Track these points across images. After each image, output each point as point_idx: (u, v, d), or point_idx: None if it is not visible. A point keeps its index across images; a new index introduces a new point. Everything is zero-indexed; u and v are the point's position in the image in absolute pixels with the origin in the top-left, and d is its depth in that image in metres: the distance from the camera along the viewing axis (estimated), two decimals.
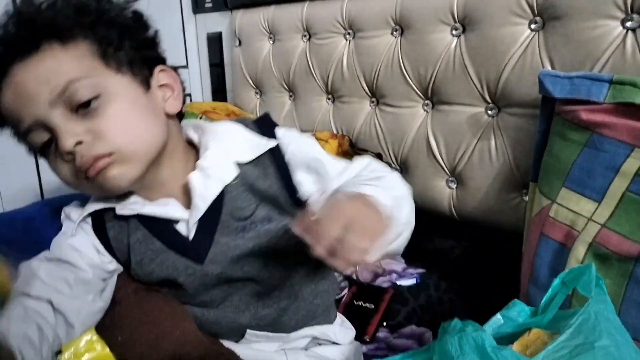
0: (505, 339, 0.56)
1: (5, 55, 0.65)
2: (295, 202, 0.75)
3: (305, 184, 0.75)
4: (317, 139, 1.22)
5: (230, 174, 0.72)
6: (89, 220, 0.76)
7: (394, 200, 0.65)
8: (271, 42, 1.45)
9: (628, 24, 0.80)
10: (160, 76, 0.74)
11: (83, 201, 0.79)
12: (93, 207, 0.75)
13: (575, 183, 0.75)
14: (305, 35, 1.34)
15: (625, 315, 0.66)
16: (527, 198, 0.92)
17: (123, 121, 0.67)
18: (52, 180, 1.57)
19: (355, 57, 1.21)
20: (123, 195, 0.74)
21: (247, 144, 0.75)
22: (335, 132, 1.29)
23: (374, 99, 1.21)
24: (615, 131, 0.71)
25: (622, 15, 0.80)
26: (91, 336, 0.72)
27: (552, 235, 0.76)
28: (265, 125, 0.78)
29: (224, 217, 0.72)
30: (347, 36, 1.23)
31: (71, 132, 0.65)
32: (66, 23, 0.66)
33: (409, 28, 1.09)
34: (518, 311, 0.60)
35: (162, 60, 0.77)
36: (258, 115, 1.52)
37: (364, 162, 0.76)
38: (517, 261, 0.86)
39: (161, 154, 0.72)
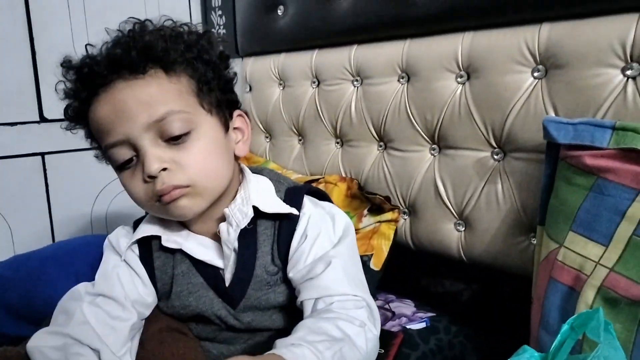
0: None
1: (112, 70, 0.69)
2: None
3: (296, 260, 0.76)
4: (326, 182, 1.24)
5: (246, 218, 0.75)
6: (136, 249, 0.80)
7: None
8: (281, 87, 1.48)
9: (628, 72, 0.82)
10: (236, 119, 0.79)
11: (126, 230, 0.83)
12: (141, 233, 0.78)
13: (582, 227, 0.76)
14: (314, 82, 1.37)
15: None
16: (534, 241, 0.93)
17: (205, 158, 0.72)
18: (63, 221, 1.60)
19: (363, 103, 1.24)
20: (170, 222, 0.78)
21: (272, 200, 0.78)
22: (344, 175, 1.31)
23: (381, 143, 1.23)
24: (620, 176, 0.72)
25: (622, 64, 0.83)
26: None
27: (560, 279, 0.77)
28: (293, 199, 0.80)
29: (257, 271, 0.75)
30: (355, 83, 1.26)
31: (159, 158, 0.69)
32: (176, 56, 0.70)
33: (415, 75, 1.12)
34: (528, 357, 0.60)
35: (239, 104, 0.82)
36: (268, 158, 1.54)
37: (346, 303, 0.70)
38: (527, 304, 0.86)
39: (223, 192, 0.76)
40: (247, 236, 0.76)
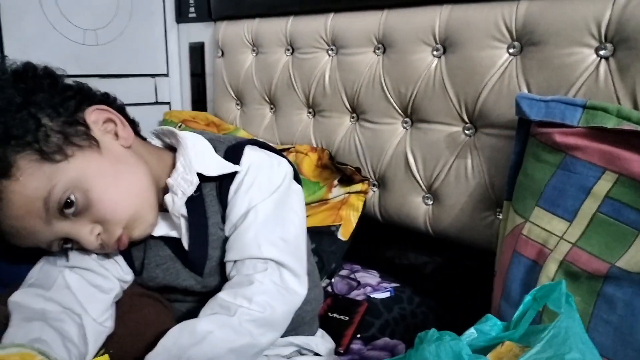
0: (478, 352, 0.57)
1: None
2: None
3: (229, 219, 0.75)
4: (297, 151, 1.24)
5: (191, 186, 0.72)
6: None
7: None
8: (254, 54, 1.46)
9: (602, 52, 0.83)
10: (93, 117, 0.71)
11: None
12: None
13: (548, 203, 0.77)
14: (288, 50, 1.35)
15: (593, 332, 0.68)
16: (500, 216, 0.95)
17: (111, 198, 0.67)
18: None
19: (337, 73, 1.23)
20: None
21: (213, 161, 0.75)
22: (315, 145, 1.30)
23: (354, 115, 1.23)
24: (587, 154, 0.74)
25: (596, 44, 0.84)
26: None
27: (524, 252, 0.79)
28: (233, 155, 0.77)
29: (211, 229, 0.73)
30: (330, 52, 1.25)
31: (84, 232, 0.66)
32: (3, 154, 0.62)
33: (391, 47, 1.12)
34: (491, 325, 0.62)
35: (85, 99, 0.72)
36: (238, 125, 1.53)
37: (255, 267, 0.70)
38: (489, 278, 0.88)
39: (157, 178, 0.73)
40: (194, 201, 0.74)
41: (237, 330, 0.64)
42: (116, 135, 0.72)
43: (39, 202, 0.63)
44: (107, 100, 0.75)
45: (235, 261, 0.71)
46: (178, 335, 0.62)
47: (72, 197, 0.64)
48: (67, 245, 0.69)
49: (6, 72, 0.67)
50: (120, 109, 0.76)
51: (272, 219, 0.73)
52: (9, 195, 0.62)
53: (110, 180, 0.68)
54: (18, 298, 0.67)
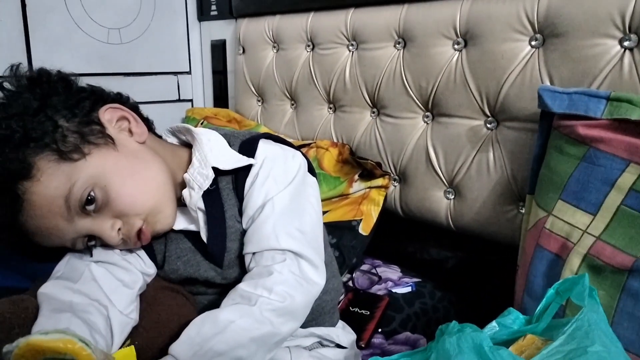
0: (500, 345, 0.57)
1: (9, 217, 0.65)
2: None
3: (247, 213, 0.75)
4: (318, 147, 1.24)
5: (207, 180, 0.74)
6: None
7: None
8: (275, 50, 1.47)
9: (626, 43, 0.82)
10: (108, 116, 0.73)
11: None
12: None
13: (571, 196, 0.76)
14: (309, 45, 1.36)
15: (617, 326, 0.67)
16: (523, 210, 0.94)
17: (129, 192, 0.69)
18: None
19: (357, 68, 1.23)
20: None
21: (228, 155, 0.77)
22: (335, 140, 1.30)
23: (374, 110, 1.23)
24: (612, 146, 0.73)
25: (620, 35, 0.82)
26: None
27: (547, 246, 0.78)
28: (248, 148, 0.78)
29: (229, 222, 0.75)
30: (351, 47, 1.25)
31: (106, 227, 0.68)
32: (15, 162, 0.64)
33: (411, 41, 1.11)
34: (513, 319, 0.62)
35: (99, 99, 0.74)
36: (259, 122, 1.54)
37: (274, 257, 0.71)
38: (511, 272, 0.87)
39: (173, 174, 0.75)
40: (211, 194, 0.75)
41: (258, 320, 0.65)
42: (130, 132, 0.74)
43: (60, 201, 0.65)
44: (120, 99, 0.77)
45: (254, 253, 0.72)
46: (201, 325, 0.63)
47: (92, 194, 0.66)
48: (90, 243, 0.71)
49: (22, 79, 0.70)
50: (134, 108, 0.78)
51: (288, 210, 0.73)
52: (31, 196, 0.64)
53: (127, 175, 0.69)
54: (47, 290, 0.69)
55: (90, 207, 0.66)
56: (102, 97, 0.74)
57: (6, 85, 0.69)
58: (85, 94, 0.73)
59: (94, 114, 0.71)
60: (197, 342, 0.62)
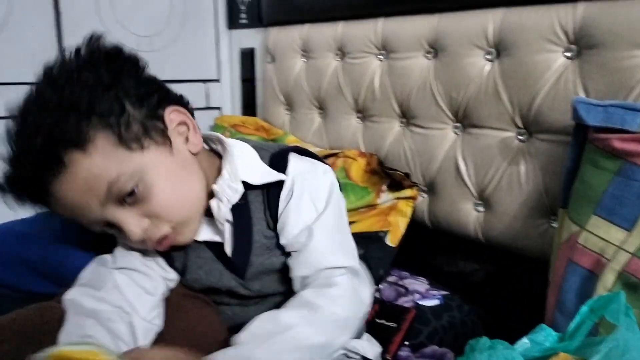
0: None
1: (39, 178, 0.65)
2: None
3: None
4: (346, 156, 1.24)
5: (237, 194, 0.74)
6: None
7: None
8: (304, 59, 1.47)
9: None
10: (172, 118, 0.73)
11: None
12: None
13: (605, 211, 0.75)
14: (338, 55, 1.36)
15: None
16: (555, 224, 0.92)
17: (169, 197, 0.69)
18: None
19: (387, 78, 1.23)
20: None
21: (259, 169, 0.77)
22: (363, 150, 1.30)
23: (403, 120, 1.22)
24: None
25: None
26: None
27: (580, 262, 0.76)
28: (278, 163, 0.78)
29: (255, 237, 0.75)
30: (380, 57, 1.25)
31: (133, 222, 0.68)
32: (74, 130, 0.64)
33: (442, 51, 1.10)
34: (545, 336, 0.60)
35: (166, 96, 0.75)
36: (287, 130, 1.54)
37: (329, 277, 0.71)
38: (542, 288, 0.85)
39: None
40: (240, 208, 0.75)
41: (317, 329, 0.65)
42: (187, 139, 0.74)
43: (103, 183, 0.65)
44: (181, 101, 0.78)
45: (307, 276, 0.72)
46: (265, 321, 0.64)
47: (136, 188, 0.66)
48: (107, 229, 0.71)
49: (97, 52, 0.70)
50: (192, 113, 0.78)
51: (336, 230, 0.75)
52: (76, 168, 0.64)
53: (174, 181, 0.70)
54: (72, 296, 0.70)
55: (130, 200, 0.67)
56: (168, 95, 0.75)
57: (82, 53, 0.69)
58: (155, 86, 0.74)
59: (159, 111, 0.72)
60: (259, 335, 0.63)
